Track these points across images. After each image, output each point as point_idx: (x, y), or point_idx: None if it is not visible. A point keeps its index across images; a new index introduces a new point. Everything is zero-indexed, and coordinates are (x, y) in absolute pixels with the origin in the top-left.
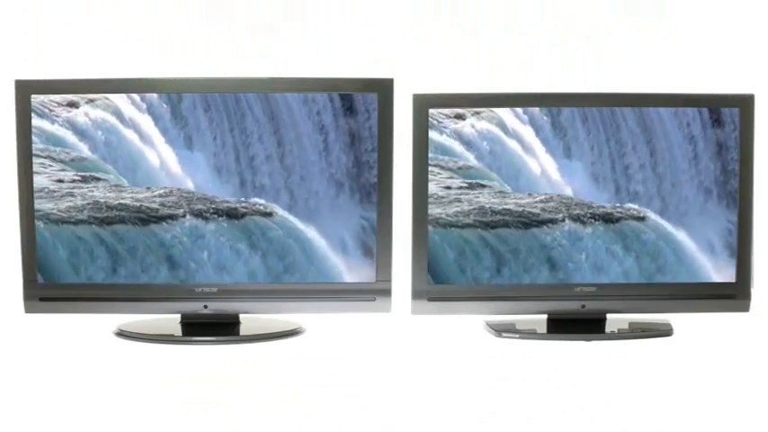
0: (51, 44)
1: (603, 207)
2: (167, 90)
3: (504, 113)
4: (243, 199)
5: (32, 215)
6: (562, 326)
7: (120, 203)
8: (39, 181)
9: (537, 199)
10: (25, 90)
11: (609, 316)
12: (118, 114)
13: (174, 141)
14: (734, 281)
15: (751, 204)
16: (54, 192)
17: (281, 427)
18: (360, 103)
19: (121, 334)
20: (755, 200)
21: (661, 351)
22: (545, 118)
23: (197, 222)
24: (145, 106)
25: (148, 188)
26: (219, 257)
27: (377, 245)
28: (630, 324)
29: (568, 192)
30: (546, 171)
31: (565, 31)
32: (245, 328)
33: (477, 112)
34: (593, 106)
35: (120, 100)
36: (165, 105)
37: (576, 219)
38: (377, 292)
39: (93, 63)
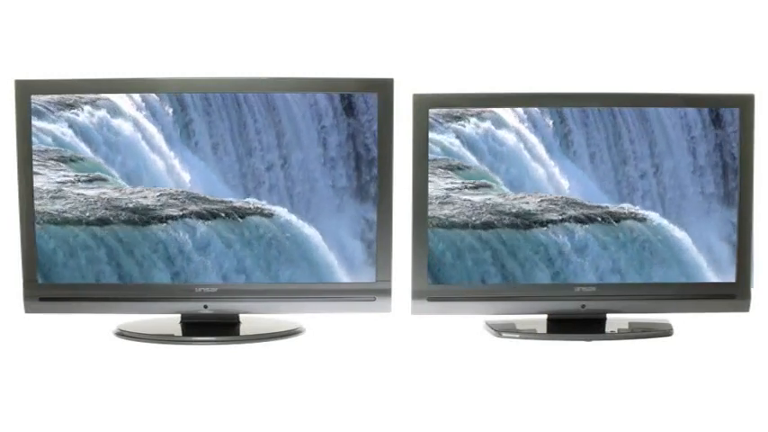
0: (51, 44)
1: (604, 207)
2: (168, 90)
3: (505, 113)
4: (243, 199)
5: (32, 215)
6: (562, 326)
7: (120, 203)
8: (39, 181)
9: (537, 199)
10: (25, 90)
11: (609, 316)
12: (118, 114)
13: (175, 141)
14: (734, 281)
15: (751, 204)
16: (54, 192)
17: (282, 427)
18: (360, 103)
19: (121, 334)
20: (755, 200)
21: (661, 351)
22: (545, 118)
23: (197, 222)
24: (145, 106)
25: (148, 188)
26: (220, 257)
27: (377, 245)
28: (630, 324)
29: (568, 192)
30: (546, 171)
31: (565, 31)
32: (245, 328)
33: (478, 112)
34: (594, 106)
35: (120, 100)
36: (165, 105)
37: (577, 219)
38: (377, 292)
39: (94, 63)
